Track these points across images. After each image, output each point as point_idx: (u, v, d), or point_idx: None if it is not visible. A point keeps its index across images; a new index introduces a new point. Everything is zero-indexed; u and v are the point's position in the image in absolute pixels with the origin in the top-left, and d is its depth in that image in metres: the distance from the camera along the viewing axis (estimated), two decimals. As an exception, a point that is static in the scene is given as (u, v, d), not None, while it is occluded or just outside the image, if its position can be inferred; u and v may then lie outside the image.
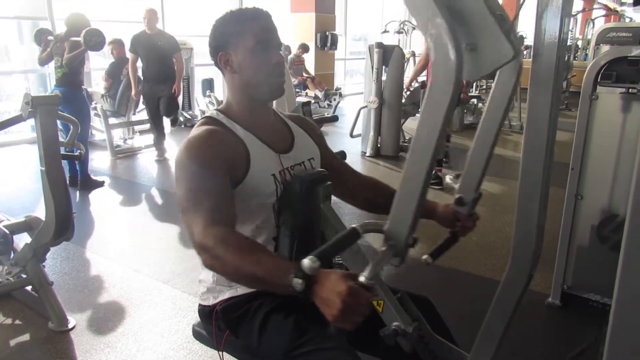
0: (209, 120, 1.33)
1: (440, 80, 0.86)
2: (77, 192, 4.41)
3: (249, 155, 1.27)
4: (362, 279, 0.92)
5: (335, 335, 1.03)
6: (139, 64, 5.37)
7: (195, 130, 1.28)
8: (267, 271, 1.00)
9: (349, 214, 3.95)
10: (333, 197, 1.37)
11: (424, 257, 1.22)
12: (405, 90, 5.15)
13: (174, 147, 5.83)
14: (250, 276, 1.03)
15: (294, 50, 8.71)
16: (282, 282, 0.95)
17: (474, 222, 1.35)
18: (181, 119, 7.13)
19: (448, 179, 1.38)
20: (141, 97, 5.64)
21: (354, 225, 0.98)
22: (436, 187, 4.52)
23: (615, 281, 0.70)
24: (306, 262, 0.89)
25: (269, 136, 1.35)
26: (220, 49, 1.30)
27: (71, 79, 4.34)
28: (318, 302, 0.93)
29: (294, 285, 0.92)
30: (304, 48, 8.83)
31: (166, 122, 5.73)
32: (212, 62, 1.34)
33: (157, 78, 5.30)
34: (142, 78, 5.42)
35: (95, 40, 4.24)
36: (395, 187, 1.01)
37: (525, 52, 13.34)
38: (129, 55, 5.40)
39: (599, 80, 2.26)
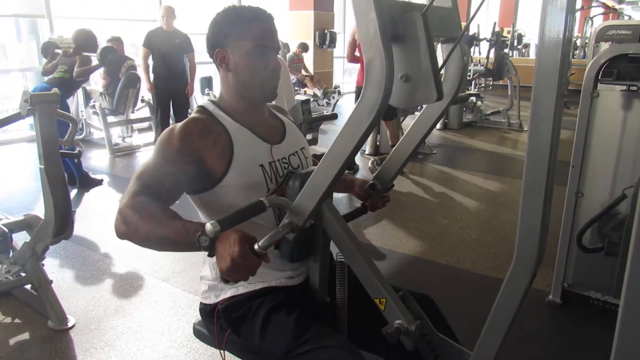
0: (200, 109, 1.35)
1: (367, 101, 0.94)
2: (76, 191, 4.40)
3: (232, 144, 1.27)
4: (256, 246, 1.03)
5: (226, 282, 1.12)
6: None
7: (187, 118, 1.31)
8: (176, 232, 1.08)
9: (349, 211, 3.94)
10: (335, 194, 1.37)
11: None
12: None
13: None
14: (160, 238, 1.11)
15: (293, 49, 8.69)
16: (190, 241, 1.05)
17: (384, 204, 1.56)
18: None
19: (370, 162, 1.55)
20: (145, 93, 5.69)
21: (262, 199, 1.08)
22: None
23: (624, 280, 0.69)
24: (208, 226, 1.00)
25: (261, 129, 1.35)
26: (217, 45, 1.29)
27: (67, 85, 4.41)
28: (217, 257, 1.04)
29: (200, 242, 1.03)
30: (304, 47, 8.79)
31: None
32: (208, 56, 1.34)
33: (169, 75, 5.34)
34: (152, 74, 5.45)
35: (111, 58, 4.48)
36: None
37: (524, 50, 13.27)
38: (141, 50, 5.41)
39: (599, 77, 2.25)
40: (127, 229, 1.13)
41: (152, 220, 1.12)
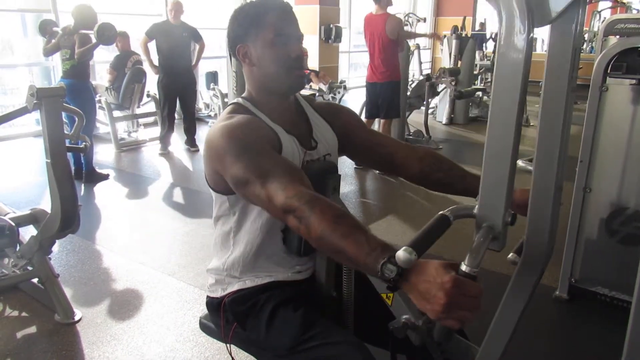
0: (239, 107, 1.30)
1: (506, 65, 0.81)
2: (82, 185, 4.41)
3: (281, 146, 1.24)
4: (464, 267, 0.82)
5: (442, 340, 0.90)
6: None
7: (230, 117, 1.23)
8: (356, 249, 0.90)
9: (357, 206, 3.94)
10: (341, 190, 1.36)
11: (510, 256, 1.07)
12: None
13: (179, 141, 5.83)
14: (335, 248, 0.93)
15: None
16: (370, 265, 0.87)
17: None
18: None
19: (520, 162, 1.29)
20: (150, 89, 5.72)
21: (442, 212, 0.92)
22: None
23: (637, 276, 0.68)
24: (402, 253, 0.80)
25: (295, 130, 1.31)
26: (238, 41, 1.27)
27: (80, 70, 4.37)
28: (414, 295, 0.83)
29: (384, 272, 0.83)
30: None
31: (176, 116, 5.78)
32: (230, 53, 1.32)
33: (175, 69, 5.36)
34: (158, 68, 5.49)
35: (108, 34, 4.31)
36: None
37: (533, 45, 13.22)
38: (140, 40, 5.44)
39: (608, 71, 2.23)
40: (299, 226, 0.98)
41: (325, 219, 0.95)
